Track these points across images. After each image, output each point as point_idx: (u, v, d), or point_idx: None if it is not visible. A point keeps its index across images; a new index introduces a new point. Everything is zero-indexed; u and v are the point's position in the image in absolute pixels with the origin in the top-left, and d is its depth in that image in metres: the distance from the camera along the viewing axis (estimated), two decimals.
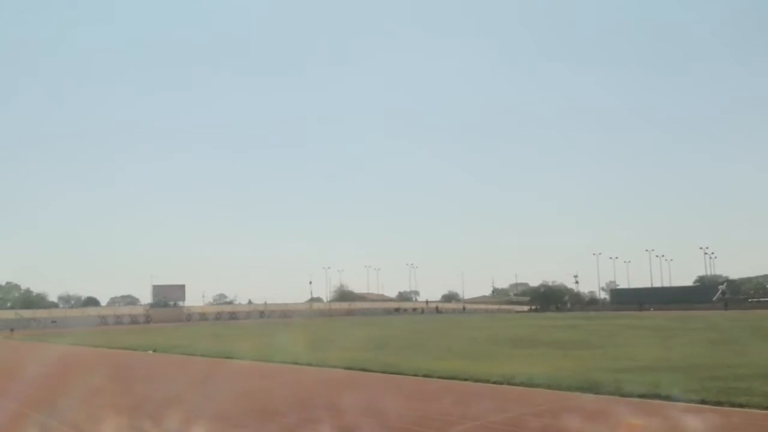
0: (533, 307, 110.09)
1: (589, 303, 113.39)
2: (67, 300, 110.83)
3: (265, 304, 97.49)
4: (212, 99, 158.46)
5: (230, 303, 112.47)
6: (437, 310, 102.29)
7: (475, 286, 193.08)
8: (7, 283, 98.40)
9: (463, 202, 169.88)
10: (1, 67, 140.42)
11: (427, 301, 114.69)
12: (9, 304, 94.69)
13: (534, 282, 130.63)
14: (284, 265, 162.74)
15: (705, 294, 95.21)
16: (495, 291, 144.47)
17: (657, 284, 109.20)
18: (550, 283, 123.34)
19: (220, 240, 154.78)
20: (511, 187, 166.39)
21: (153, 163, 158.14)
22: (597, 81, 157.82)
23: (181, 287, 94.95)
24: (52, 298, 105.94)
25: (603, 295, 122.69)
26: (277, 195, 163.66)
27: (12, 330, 60.83)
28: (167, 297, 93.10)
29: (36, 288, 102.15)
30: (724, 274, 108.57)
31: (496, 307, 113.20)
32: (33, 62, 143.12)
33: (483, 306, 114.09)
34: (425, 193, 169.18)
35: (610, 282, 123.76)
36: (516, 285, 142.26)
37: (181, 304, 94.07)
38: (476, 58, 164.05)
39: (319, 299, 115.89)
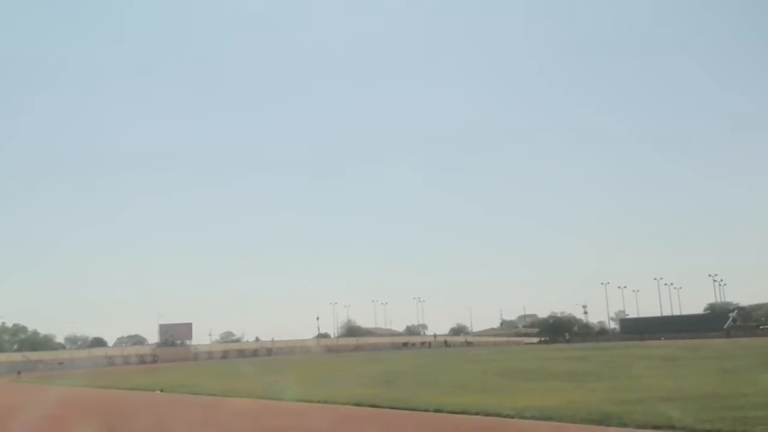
0: (542, 339, 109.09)
1: (599, 333, 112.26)
2: (74, 341, 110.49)
3: (273, 341, 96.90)
4: (211, 133, 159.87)
5: (237, 340, 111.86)
6: (446, 344, 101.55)
7: (483, 319, 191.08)
8: (14, 324, 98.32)
9: (469, 233, 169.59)
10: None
11: (435, 335, 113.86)
12: (16, 347, 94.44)
13: (542, 313, 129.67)
14: (291, 301, 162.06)
15: (716, 322, 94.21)
16: (503, 323, 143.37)
17: (666, 313, 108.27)
18: (558, 314, 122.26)
19: (226, 277, 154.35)
20: (517, 217, 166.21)
21: (156, 200, 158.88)
22: (601, 107, 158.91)
23: (188, 325, 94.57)
24: (59, 339, 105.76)
25: (612, 325, 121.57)
26: (282, 230, 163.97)
27: (19, 373, 60.63)
28: (174, 336, 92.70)
29: (43, 329, 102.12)
30: (735, 301, 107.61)
31: (504, 339, 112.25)
32: (29, 99, 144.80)
33: (492, 339, 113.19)
34: (430, 225, 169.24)
35: (620, 311, 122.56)
36: (524, 316, 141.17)
37: (188, 342, 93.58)
38: (478, 85, 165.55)
39: (326, 335, 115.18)
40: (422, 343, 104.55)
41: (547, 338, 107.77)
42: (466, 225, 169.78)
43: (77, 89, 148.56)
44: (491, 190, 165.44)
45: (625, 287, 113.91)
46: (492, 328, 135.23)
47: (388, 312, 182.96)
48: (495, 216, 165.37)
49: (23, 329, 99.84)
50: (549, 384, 20.11)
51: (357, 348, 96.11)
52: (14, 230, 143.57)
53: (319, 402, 18.16)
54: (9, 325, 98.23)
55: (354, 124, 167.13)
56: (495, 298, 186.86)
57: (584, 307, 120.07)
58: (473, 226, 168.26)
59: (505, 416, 12.97)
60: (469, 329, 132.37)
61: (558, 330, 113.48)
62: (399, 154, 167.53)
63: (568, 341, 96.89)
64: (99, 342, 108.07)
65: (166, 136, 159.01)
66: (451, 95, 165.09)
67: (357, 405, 16.71)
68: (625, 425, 11.15)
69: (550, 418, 12.29)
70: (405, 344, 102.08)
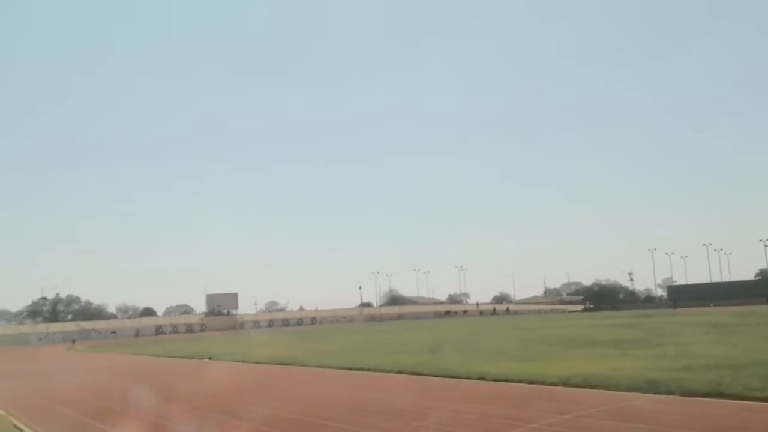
0: (587, 307, 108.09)
1: (645, 301, 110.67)
2: (125, 311, 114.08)
3: (316, 310, 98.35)
4: (262, 111, 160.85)
5: (282, 310, 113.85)
6: (494, 312, 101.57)
7: (527, 287, 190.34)
8: (68, 295, 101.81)
9: (511, 202, 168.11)
10: (58, 69, 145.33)
11: (477, 304, 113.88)
12: (70, 316, 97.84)
13: (587, 281, 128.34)
14: (334, 270, 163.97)
15: (767, 288, 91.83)
16: (547, 291, 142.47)
17: (716, 279, 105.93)
18: (603, 282, 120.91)
19: (270, 248, 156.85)
20: (562, 185, 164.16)
21: (206, 176, 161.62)
22: (641, 74, 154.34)
23: (234, 296, 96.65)
24: (111, 309, 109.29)
25: (660, 292, 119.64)
26: (326, 202, 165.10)
27: (74, 341, 63.01)
28: (221, 305, 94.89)
29: (95, 300, 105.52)
30: None
31: (548, 307, 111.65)
32: (73, 76, 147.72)
33: (535, 306, 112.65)
34: (473, 194, 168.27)
35: (667, 278, 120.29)
36: (568, 284, 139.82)
37: (234, 312, 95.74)
38: (511, 58, 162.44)
39: (369, 304, 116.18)
40: (465, 312, 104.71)
41: (592, 306, 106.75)
42: (508, 193, 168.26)
43: (123, 65, 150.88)
44: (535, 157, 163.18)
45: (672, 253, 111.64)
46: (535, 297, 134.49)
47: (430, 281, 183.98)
48: (538, 185, 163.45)
49: (77, 299, 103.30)
50: (594, 351, 19.91)
51: (399, 317, 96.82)
52: (69, 204, 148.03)
53: (361, 369, 18.36)
54: (63, 295, 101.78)
55: (395, 94, 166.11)
56: (538, 266, 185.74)
57: (630, 274, 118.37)
58: (516, 194, 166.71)
59: (549, 384, 12.89)
60: (512, 298, 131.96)
61: (603, 298, 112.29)
62: (440, 127, 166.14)
63: (613, 309, 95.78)
64: (149, 312, 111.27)
65: (216, 111, 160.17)
66: (489, 67, 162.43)
67: (400, 373, 16.84)
68: (671, 393, 10.97)
69: (594, 386, 12.16)
70: (447, 313, 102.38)
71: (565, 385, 12.63)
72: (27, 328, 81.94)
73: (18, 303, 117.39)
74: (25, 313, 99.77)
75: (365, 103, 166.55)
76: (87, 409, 13.36)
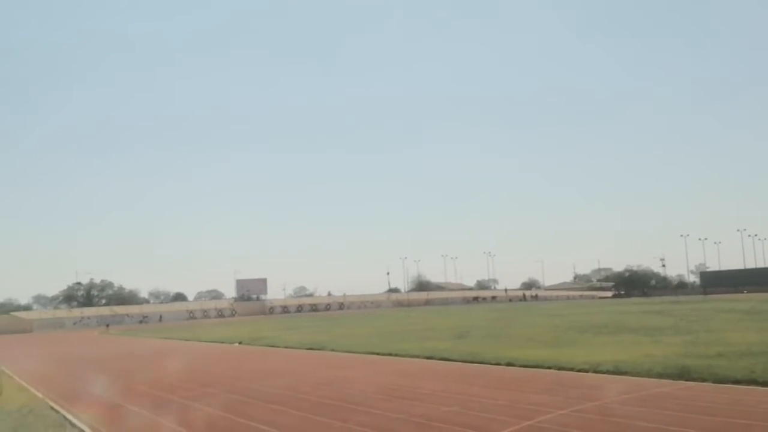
0: (618, 293, 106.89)
1: (678, 287, 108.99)
2: (157, 296, 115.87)
3: (345, 295, 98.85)
4: (290, 100, 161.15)
5: (310, 295, 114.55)
6: (524, 298, 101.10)
7: (556, 273, 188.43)
8: (102, 280, 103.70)
9: (540, 186, 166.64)
10: (92, 53, 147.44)
11: (506, 289, 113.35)
12: (104, 301, 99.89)
13: (618, 267, 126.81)
14: (362, 256, 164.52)
15: None
16: (576, 277, 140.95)
17: (750, 265, 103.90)
18: (634, 268, 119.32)
19: (299, 234, 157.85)
20: (592, 169, 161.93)
21: (234, 163, 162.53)
22: (675, 58, 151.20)
23: (263, 281, 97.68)
24: (143, 294, 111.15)
25: (692, 279, 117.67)
26: (353, 188, 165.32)
27: (107, 326, 64.32)
28: (250, 290, 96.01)
29: (128, 285, 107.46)
30: None
31: (578, 293, 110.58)
32: (108, 62, 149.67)
33: (564, 293, 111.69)
34: (500, 179, 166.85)
35: (700, 264, 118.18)
36: (599, 270, 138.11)
37: (263, 297, 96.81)
38: (540, 46, 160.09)
39: (396, 289, 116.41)
40: (493, 298, 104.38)
41: (623, 292, 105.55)
42: (537, 178, 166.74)
43: (155, 49, 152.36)
44: (565, 142, 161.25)
45: (705, 239, 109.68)
46: (565, 283, 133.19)
47: (458, 267, 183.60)
48: (568, 168, 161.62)
49: (110, 285, 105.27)
50: (624, 338, 19.73)
51: (427, 302, 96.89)
52: (103, 191, 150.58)
53: (389, 355, 18.45)
54: (97, 281, 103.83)
55: (425, 80, 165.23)
56: (568, 252, 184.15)
57: (662, 260, 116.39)
58: (544, 179, 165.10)
59: (578, 370, 12.82)
60: (541, 284, 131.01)
61: (634, 284, 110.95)
62: (468, 114, 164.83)
63: (644, 295, 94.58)
64: (180, 297, 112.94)
65: (245, 100, 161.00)
66: (527, 52, 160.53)
67: (428, 358, 16.88)
68: (704, 380, 10.84)
69: (625, 373, 12.07)
70: (476, 298, 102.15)
71: (595, 371, 12.55)
72: (62, 312, 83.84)
73: (54, 288, 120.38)
74: (61, 298, 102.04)
75: (392, 93, 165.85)
76: (119, 392, 13.67)
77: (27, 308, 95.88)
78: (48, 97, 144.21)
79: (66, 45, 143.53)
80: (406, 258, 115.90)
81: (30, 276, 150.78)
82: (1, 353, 31.31)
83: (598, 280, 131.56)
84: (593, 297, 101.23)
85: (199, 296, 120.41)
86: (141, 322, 75.33)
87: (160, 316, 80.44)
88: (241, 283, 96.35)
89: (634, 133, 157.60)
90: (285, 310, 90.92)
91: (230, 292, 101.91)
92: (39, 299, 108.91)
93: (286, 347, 24.19)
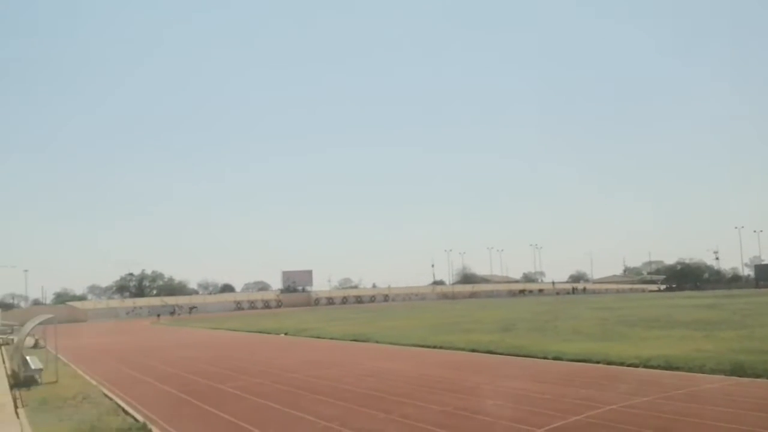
0: (669, 286, 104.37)
1: (732, 280, 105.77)
2: (205, 287, 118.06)
3: (389, 287, 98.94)
4: (335, 98, 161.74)
5: (355, 287, 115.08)
6: (573, 291, 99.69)
7: (605, 266, 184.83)
8: (153, 271, 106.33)
9: (589, 178, 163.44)
10: (137, 47, 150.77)
11: (553, 282, 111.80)
12: (155, 292, 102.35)
13: (669, 259, 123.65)
14: (407, 248, 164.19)
15: None
16: (626, 270, 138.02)
17: None
18: (687, 260, 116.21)
19: (345, 226, 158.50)
20: (644, 161, 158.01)
21: (284, 158, 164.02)
22: (731, 50, 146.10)
23: (309, 273, 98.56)
24: (192, 285, 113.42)
25: (747, 272, 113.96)
26: (399, 180, 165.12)
27: (158, 316, 65.90)
28: (296, 282, 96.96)
29: (178, 276, 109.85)
30: None
31: (627, 286, 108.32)
32: (148, 59, 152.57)
33: (613, 286, 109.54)
34: (548, 170, 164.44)
35: (755, 257, 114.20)
36: (649, 263, 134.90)
37: (309, 288, 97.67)
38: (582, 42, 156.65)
39: (441, 282, 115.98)
40: (540, 290, 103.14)
41: (674, 285, 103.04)
42: (584, 170, 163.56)
43: (191, 50, 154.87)
44: (615, 133, 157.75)
45: (761, 231, 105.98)
46: (614, 275, 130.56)
47: (504, 259, 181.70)
48: (618, 160, 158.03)
49: (161, 276, 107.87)
50: (675, 332, 19.22)
51: (472, 295, 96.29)
52: (157, 184, 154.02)
53: (434, 347, 18.39)
54: (148, 272, 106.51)
55: (467, 71, 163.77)
56: (618, 245, 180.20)
57: (715, 252, 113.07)
58: (593, 170, 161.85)
59: (628, 365, 12.55)
60: (590, 276, 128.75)
61: (686, 277, 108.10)
62: (514, 102, 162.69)
63: (696, 289, 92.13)
64: (228, 288, 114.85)
65: (294, 99, 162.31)
66: (578, 50, 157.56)
67: (472, 351, 16.77)
68: (758, 376, 10.48)
69: (677, 368, 11.77)
70: (522, 291, 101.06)
71: (645, 366, 12.28)
72: (116, 302, 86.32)
73: (107, 278, 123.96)
74: (114, 288, 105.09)
75: (436, 82, 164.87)
76: (176, 383, 13.98)
77: (82, 298, 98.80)
78: (101, 93, 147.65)
79: (117, 40, 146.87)
80: (451, 250, 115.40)
81: (85, 267, 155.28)
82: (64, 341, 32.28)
83: (649, 273, 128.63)
84: (643, 290, 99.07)
85: (247, 287, 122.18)
86: (190, 312, 76.91)
87: (208, 307, 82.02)
88: (287, 275, 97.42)
89: (688, 124, 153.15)
90: (330, 301, 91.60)
91: (276, 283, 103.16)
92: (93, 289, 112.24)
93: (331, 338, 24.36)
